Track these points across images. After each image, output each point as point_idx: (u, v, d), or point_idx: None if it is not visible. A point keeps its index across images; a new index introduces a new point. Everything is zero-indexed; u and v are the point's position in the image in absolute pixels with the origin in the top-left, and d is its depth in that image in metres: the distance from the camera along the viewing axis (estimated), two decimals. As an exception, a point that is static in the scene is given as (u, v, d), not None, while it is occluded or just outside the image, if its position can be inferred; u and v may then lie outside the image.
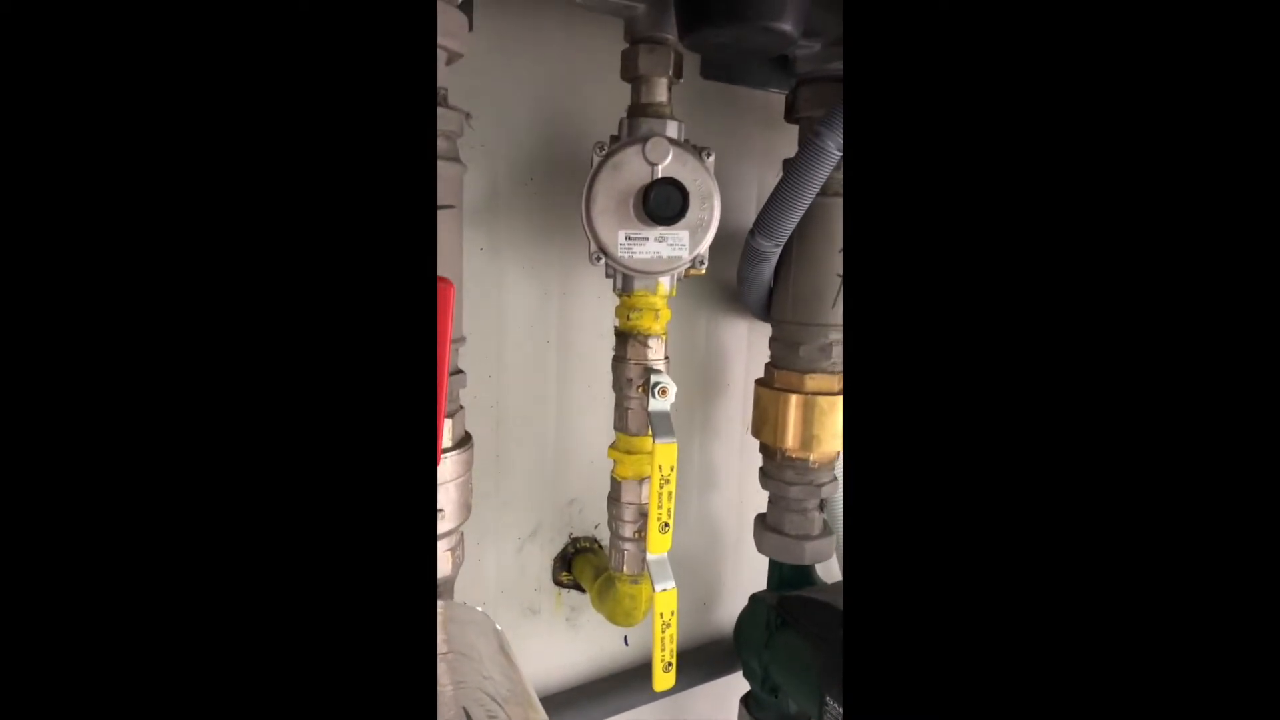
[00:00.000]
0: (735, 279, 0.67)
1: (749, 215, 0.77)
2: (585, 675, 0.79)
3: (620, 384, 0.59)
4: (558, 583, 0.73)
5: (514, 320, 0.68)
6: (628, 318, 0.58)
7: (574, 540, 0.74)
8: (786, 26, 0.44)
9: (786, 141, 0.69)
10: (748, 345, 0.82)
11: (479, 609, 0.49)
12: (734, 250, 0.65)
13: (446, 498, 0.49)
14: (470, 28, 0.55)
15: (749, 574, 0.83)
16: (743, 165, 0.76)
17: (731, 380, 0.82)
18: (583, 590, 0.72)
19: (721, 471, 0.83)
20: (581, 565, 0.71)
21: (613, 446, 0.61)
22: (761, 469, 0.70)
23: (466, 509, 0.51)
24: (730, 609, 0.85)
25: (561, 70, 0.65)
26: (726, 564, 0.86)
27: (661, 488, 0.55)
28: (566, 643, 0.77)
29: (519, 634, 0.73)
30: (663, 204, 0.46)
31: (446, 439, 0.49)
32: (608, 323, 0.69)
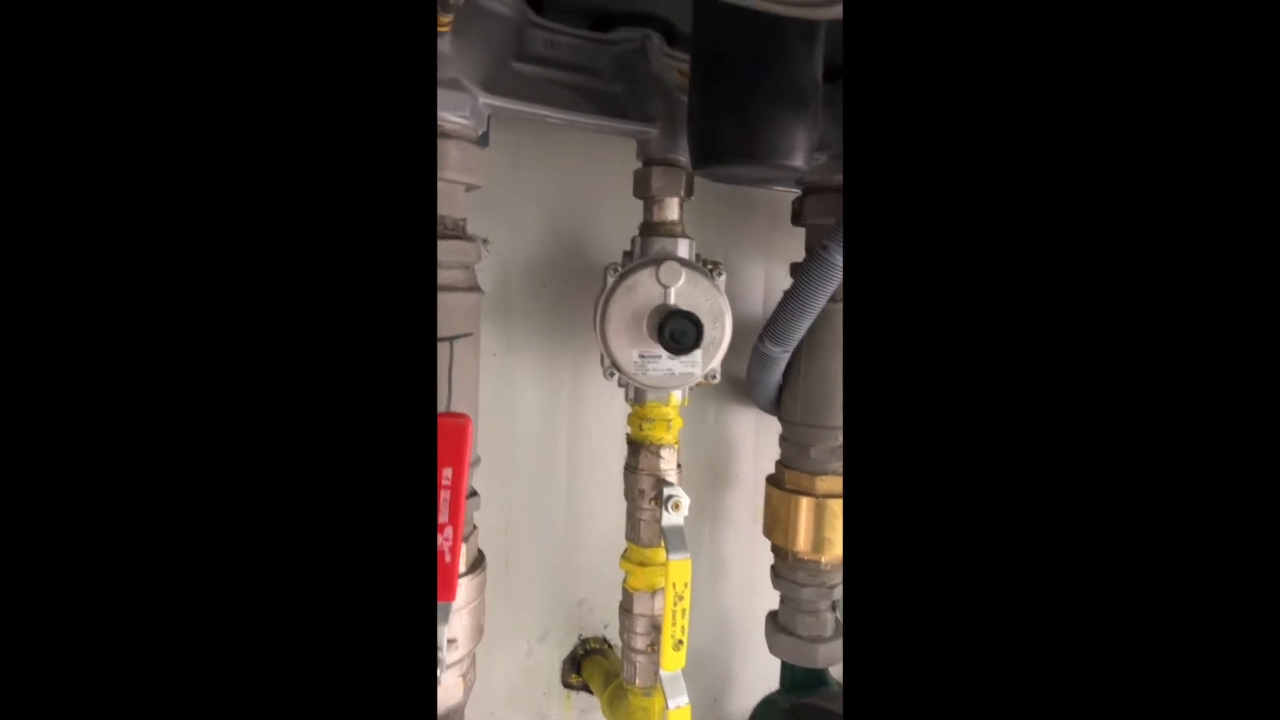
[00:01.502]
0: (744, 375, 0.67)
1: (756, 309, 0.77)
2: (595, 778, 0.77)
3: (633, 494, 0.59)
4: (567, 685, 0.72)
5: (525, 422, 0.68)
6: (640, 428, 0.58)
7: (584, 641, 0.73)
8: (798, 163, 0.45)
9: (793, 238, 0.70)
10: (756, 435, 0.82)
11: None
12: (741, 341, 0.64)
13: (459, 624, 0.48)
14: (486, 143, 0.56)
15: (760, 666, 0.82)
16: (750, 261, 0.77)
17: (740, 471, 0.82)
18: (592, 692, 0.70)
19: (731, 562, 0.83)
20: (591, 668, 0.70)
21: (625, 557, 0.60)
22: (773, 568, 0.69)
23: (479, 631, 0.51)
24: (741, 702, 0.84)
25: (575, 183, 0.66)
26: (736, 656, 0.85)
27: (675, 604, 0.54)
28: (575, 745, 0.75)
29: (527, 739, 0.71)
30: (679, 337, 0.47)
31: (461, 564, 0.49)
32: (618, 422, 0.69)
